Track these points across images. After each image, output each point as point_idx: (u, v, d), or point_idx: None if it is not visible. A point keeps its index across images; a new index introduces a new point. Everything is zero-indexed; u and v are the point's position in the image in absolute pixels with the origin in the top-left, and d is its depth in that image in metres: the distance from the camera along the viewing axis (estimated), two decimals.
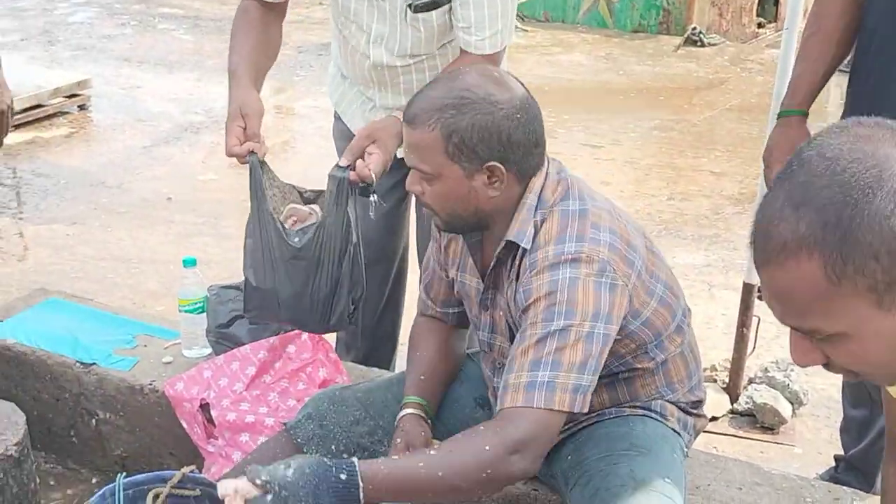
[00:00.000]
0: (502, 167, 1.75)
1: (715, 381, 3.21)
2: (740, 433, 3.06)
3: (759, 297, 2.88)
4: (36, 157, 5.42)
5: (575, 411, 1.69)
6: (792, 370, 3.18)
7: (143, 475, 2.00)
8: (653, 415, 1.91)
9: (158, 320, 2.85)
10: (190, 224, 4.62)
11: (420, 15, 2.24)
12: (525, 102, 1.76)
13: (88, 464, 2.66)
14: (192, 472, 1.98)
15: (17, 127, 5.73)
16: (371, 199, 2.10)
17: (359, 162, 2.07)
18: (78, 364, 2.57)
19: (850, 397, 2.56)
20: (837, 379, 2.76)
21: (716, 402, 3.09)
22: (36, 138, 5.69)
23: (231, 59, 2.26)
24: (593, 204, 1.81)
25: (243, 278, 2.26)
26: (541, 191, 1.81)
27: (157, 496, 1.93)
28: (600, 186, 4.43)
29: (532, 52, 8.05)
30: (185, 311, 2.54)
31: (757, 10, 9.07)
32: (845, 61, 2.39)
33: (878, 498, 1.99)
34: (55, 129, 5.92)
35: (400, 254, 2.75)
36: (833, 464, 2.69)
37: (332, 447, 2.03)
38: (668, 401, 1.94)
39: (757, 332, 3.07)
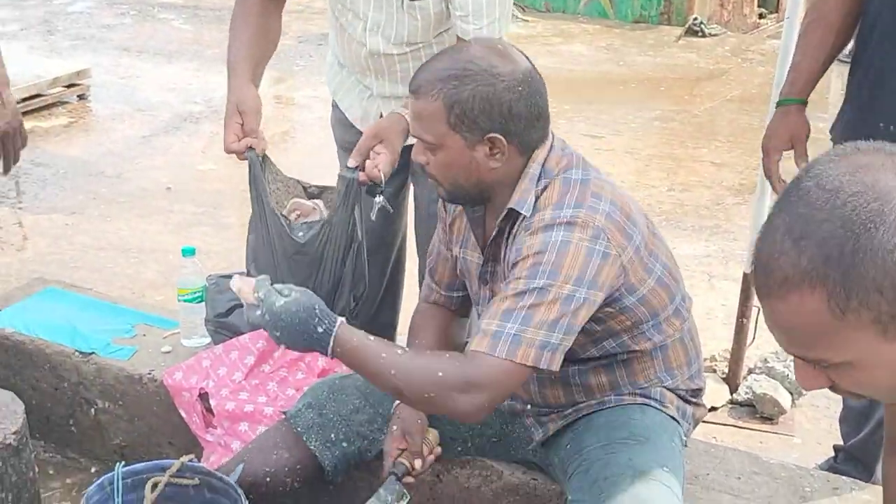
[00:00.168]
0: (503, 139, 1.77)
1: (714, 371, 3.21)
2: (740, 423, 3.06)
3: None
4: (35, 146, 5.39)
5: (541, 367, 1.70)
6: (792, 361, 3.18)
7: (142, 464, 2.01)
8: (652, 402, 1.91)
9: (157, 310, 2.85)
10: (189, 214, 4.62)
11: (417, 3, 2.24)
12: (528, 75, 1.78)
13: (87, 453, 2.66)
14: (190, 461, 1.98)
15: None
16: (377, 199, 2.10)
17: (368, 162, 2.09)
18: (77, 353, 2.57)
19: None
20: None
21: (715, 392, 3.09)
22: (35, 128, 5.68)
23: (230, 53, 2.26)
24: (596, 175, 1.83)
25: (244, 270, 2.26)
26: (544, 162, 1.82)
27: (155, 485, 1.93)
28: None
29: (533, 42, 8.04)
30: (184, 301, 2.54)
31: (758, 0, 9.05)
32: (846, 51, 2.38)
33: (877, 488, 1.99)
34: (54, 118, 5.91)
35: (398, 243, 2.75)
36: (832, 454, 2.68)
37: (332, 435, 2.03)
38: (667, 388, 1.94)
39: (757, 322, 3.06)
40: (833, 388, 1.10)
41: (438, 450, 2.00)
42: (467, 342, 1.82)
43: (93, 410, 2.59)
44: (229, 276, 2.53)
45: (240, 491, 1.92)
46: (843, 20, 2.27)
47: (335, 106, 2.63)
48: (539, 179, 1.81)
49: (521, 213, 1.80)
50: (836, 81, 5.67)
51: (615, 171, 5.23)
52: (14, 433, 2.05)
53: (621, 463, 1.75)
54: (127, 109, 6.17)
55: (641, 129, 6.02)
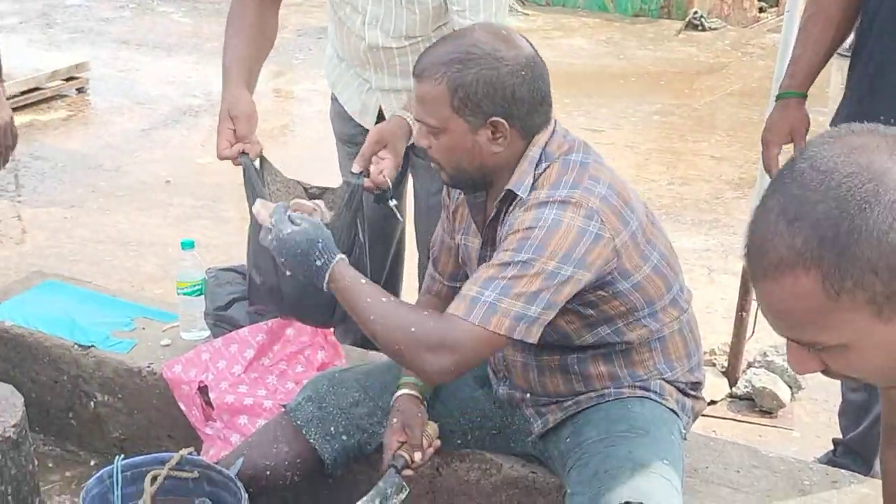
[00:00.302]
0: (506, 123, 1.78)
1: (714, 364, 3.21)
2: (739, 417, 3.06)
3: None
4: (34, 139, 5.40)
5: (514, 337, 1.70)
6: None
7: (142, 457, 2.01)
8: (651, 395, 1.91)
9: (157, 303, 2.85)
10: (188, 207, 4.62)
11: None
12: (531, 60, 1.79)
13: (87, 446, 2.66)
14: (190, 454, 1.99)
15: (16, 110, 5.72)
16: (391, 204, 2.11)
17: (373, 169, 2.08)
18: (76, 346, 2.57)
19: (849, 381, 2.55)
20: None
21: (715, 385, 3.09)
22: (34, 121, 5.67)
23: (225, 56, 2.27)
24: (596, 160, 1.84)
25: (243, 263, 2.26)
26: (545, 146, 1.83)
27: (155, 478, 1.94)
28: None
29: (532, 35, 7.96)
30: (184, 294, 2.53)
31: None
32: (847, 45, 2.38)
33: (876, 481, 1.99)
34: (53, 111, 5.90)
35: (398, 235, 2.75)
36: (831, 447, 2.69)
37: (332, 428, 2.03)
38: (666, 380, 1.94)
39: (756, 316, 3.06)
40: (826, 372, 1.10)
41: (437, 443, 2.00)
42: None
43: (92, 403, 2.59)
44: (229, 270, 2.55)
45: (239, 484, 1.92)
46: (843, 14, 2.27)
47: (334, 99, 2.63)
48: (539, 163, 1.82)
49: (518, 195, 1.81)
50: (836, 75, 5.67)
51: (615, 164, 5.14)
52: (13, 426, 2.05)
53: (621, 456, 1.75)
54: (126, 103, 6.16)
55: (641, 123, 6.02)
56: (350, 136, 2.60)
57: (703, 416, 2.53)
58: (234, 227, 4.24)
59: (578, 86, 6.63)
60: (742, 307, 3.04)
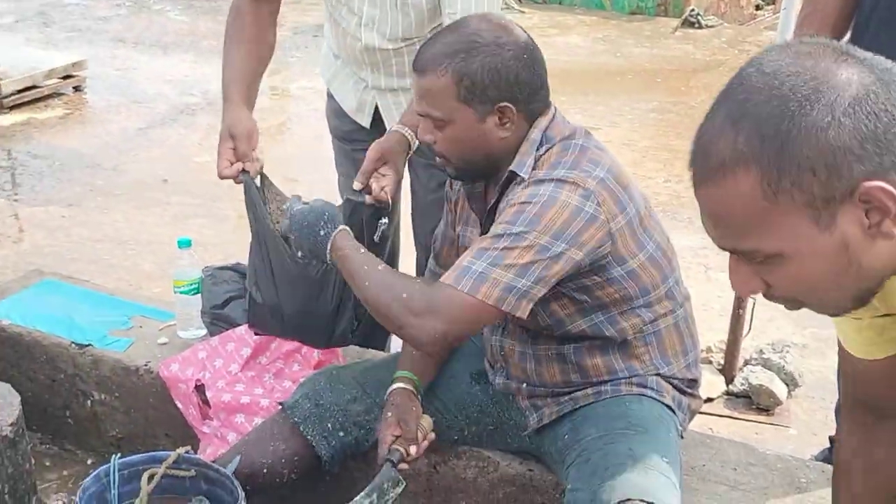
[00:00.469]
0: (512, 107, 1.80)
1: (710, 362, 3.21)
2: (735, 414, 3.06)
3: None
4: (31, 138, 5.40)
5: (503, 309, 1.70)
6: (788, 352, 3.19)
7: (138, 456, 2.01)
8: (648, 392, 1.91)
9: (154, 301, 2.85)
10: (186, 206, 4.61)
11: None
12: (529, 44, 1.83)
13: (84, 444, 2.66)
14: (187, 452, 1.99)
15: (12, 108, 5.72)
16: (381, 221, 2.11)
17: (374, 185, 2.09)
18: (73, 345, 2.57)
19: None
20: (833, 360, 2.75)
21: (711, 383, 3.09)
22: (31, 120, 5.67)
23: (224, 73, 2.28)
24: (597, 145, 1.86)
25: (239, 262, 2.25)
26: (546, 129, 1.85)
27: (151, 477, 1.94)
28: None
29: (529, 33, 8.01)
30: (180, 293, 2.53)
31: None
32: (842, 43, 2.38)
33: None
34: (50, 110, 5.90)
35: (391, 236, 2.74)
36: (828, 444, 2.69)
37: (329, 425, 2.03)
38: (662, 376, 1.94)
39: (752, 313, 3.07)
40: (768, 295, 1.09)
41: (432, 436, 2.00)
42: None
43: (89, 402, 2.59)
44: (225, 268, 2.55)
45: (236, 482, 1.92)
46: (839, 12, 2.27)
47: (330, 96, 2.63)
48: (541, 145, 1.84)
49: (519, 175, 1.81)
50: None
51: None
52: (10, 425, 2.05)
53: (621, 452, 1.76)
54: (123, 101, 6.15)
55: (638, 121, 6.02)
56: (346, 133, 2.61)
57: (700, 413, 2.52)
58: (232, 226, 4.24)
59: (575, 83, 6.63)
60: (738, 304, 3.05)
